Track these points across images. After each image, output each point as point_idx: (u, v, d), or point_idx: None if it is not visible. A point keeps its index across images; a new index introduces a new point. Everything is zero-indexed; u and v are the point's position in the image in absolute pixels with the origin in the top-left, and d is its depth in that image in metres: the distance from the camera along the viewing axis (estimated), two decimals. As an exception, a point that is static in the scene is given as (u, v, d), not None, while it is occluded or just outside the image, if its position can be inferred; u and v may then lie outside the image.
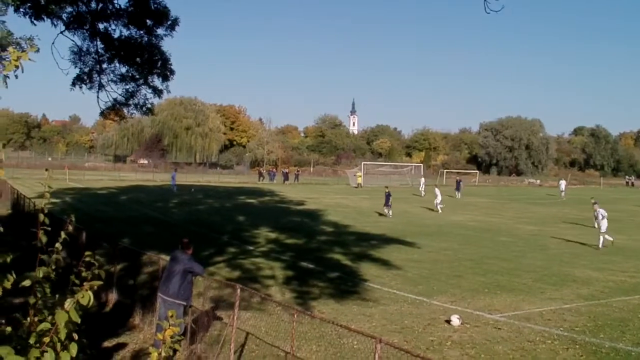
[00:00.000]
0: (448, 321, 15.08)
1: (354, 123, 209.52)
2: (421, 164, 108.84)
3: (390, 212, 42.91)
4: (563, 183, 76.59)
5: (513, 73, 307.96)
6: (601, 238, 30.19)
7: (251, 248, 26.73)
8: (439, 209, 46.08)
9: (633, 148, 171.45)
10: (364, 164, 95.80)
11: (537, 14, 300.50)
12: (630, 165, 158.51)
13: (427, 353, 12.27)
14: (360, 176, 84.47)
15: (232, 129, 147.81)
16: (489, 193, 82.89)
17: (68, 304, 4.07)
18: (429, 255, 26.50)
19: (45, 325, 3.99)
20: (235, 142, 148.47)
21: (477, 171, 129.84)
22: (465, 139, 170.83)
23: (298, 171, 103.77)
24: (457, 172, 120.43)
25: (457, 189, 65.25)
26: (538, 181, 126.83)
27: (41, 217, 4.47)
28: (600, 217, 30.43)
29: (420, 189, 69.25)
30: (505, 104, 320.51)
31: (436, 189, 46.92)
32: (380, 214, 43.43)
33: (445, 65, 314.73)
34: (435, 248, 28.49)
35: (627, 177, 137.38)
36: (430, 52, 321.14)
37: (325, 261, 23.93)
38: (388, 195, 42.75)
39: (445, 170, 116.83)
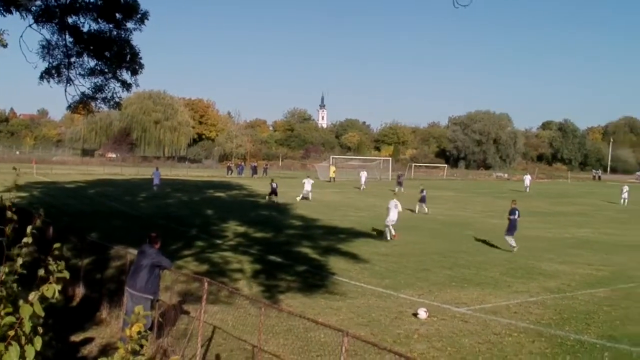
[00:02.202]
0: (415, 314, 15.18)
1: (323, 117, 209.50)
2: (390, 158, 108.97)
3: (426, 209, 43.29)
4: (528, 178, 77.27)
5: (482, 67, 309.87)
6: (386, 229, 29.55)
7: (219, 242, 26.66)
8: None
9: (600, 142, 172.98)
10: (332, 158, 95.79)
11: (505, 7, 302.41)
12: (597, 160, 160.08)
13: (394, 346, 12.32)
14: (334, 170, 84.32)
15: (201, 122, 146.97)
16: (457, 187, 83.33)
17: (32, 296, 4.05)
18: (396, 248, 26.62)
19: (10, 319, 3.97)
20: (204, 136, 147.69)
21: (446, 165, 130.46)
22: (434, 133, 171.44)
23: (267, 165, 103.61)
24: (426, 166, 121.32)
25: (399, 183, 65.23)
26: (506, 175, 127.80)
27: (8, 212, 4.44)
28: (393, 206, 29.62)
29: (361, 182, 69.16)
30: (474, 99, 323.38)
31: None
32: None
33: (414, 60, 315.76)
34: (403, 242, 28.60)
35: (594, 171, 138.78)
36: (400, 46, 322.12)
37: (294, 255, 23.95)
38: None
39: (414, 164, 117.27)
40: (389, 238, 29.12)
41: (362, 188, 66.49)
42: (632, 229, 38.19)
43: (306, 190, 49.18)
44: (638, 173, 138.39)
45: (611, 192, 64.97)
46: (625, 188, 59.03)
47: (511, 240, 27.21)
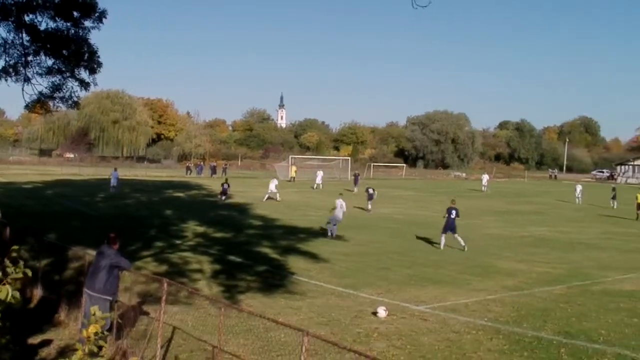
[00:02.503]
0: (375, 313, 15.21)
1: (282, 117, 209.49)
2: (349, 158, 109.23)
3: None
4: (485, 177, 77.65)
5: (440, 67, 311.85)
6: (329, 227, 29.84)
7: (179, 242, 26.50)
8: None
9: (556, 142, 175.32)
10: (292, 158, 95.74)
11: (461, 8, 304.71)
12: (553, 159, 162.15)
13: (354, 345, 12.33)
14: (295, 170, 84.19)
15: (159, 122, 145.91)
16: (416, 186, 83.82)
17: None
18: (356, 248, 26.71)
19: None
20: (163, 136, 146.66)
21: (404, 165, 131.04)
22: (393, 133, 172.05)
23: (226, 165, 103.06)
24: (385, 166, 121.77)
25: (355, 183, 65.37)
26: (464, 174, 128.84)
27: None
28: (338, 206, 30.20)
29: (317, 181, 69.39)
30: (432, 99, 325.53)
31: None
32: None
33: (372, 60, 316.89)
34: (363, 241, 28.72)
35: (550, 170, 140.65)
36: (358, 45, 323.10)
37: (253, 255, 23.90)
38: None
39: (373, 164, 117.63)
40: (330, 234, 29.37)
41: (315, 186, 66.62)
42: (587, 227, 38.75)
43: (271, 190, 49.24)
44: (593, 172, 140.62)
45: (567, 191, 65.91)
46: (579, 187, 59.74)
47: (443, 238, 27.34)
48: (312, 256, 23.84)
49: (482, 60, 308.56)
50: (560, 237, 32.66)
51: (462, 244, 26.87)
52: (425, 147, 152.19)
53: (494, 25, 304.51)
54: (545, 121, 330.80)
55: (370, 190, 44.89)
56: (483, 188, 73.84)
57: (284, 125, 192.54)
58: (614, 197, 55.50)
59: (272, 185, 49.59)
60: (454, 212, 27.72)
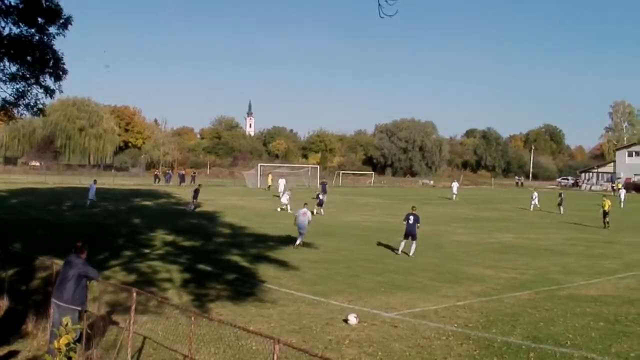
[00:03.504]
0: (346, 320, 15.23)
1: (250, 125, 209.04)
2: (317, 166, 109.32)
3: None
4: (455, 185, 76.81)
5: (407, 76, 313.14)
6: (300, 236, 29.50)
7: (147, 251, 26.34)
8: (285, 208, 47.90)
9: (522, 150, 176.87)
10: (260, 165, 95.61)
11: (430, 17, 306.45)
12: (519, 166, 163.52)
13: (326, 352, 12.37)
14: (271, 178, 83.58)
15: (127, 130, 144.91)
16: (384, 194, 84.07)
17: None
18: (326, 255, 26.74)
19: None
20: (130, 144, 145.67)
21: (373, 172, 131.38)
22: (361, 141, 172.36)
23: (194, 173, 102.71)
24: (354, 174, 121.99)
25: (323, 191, 65.07)
26: (432, 182, 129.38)
27: None
28: (301, 214, 29.85)
29: (280, 189, 66.28)
30: (400, 107, 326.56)
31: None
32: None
33: (339, 68, 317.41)
34: (332, 248, 28.76)
35: (517, 177, 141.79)
36: (325, 54, 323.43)
37: (223, 263, 23.84)
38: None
39: (341, 172, 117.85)
40: (298, 243, 29.10)
41: (283, 207, 66.44)
42: (552, 233, 39.08)
43: (284, 203, 49.75)
44: (558, 179, 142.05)
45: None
46: (535, 194, 60.01)
47: (403, 243, 27.60)
48: (282, 264, 23.82)
49: (448, 69, 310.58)
50: (527, 244, 32.93)
51: (412, 252, 27.12)
52: (393, 155, 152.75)
53: (461, 34, 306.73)
54: (511, 129, 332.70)
55: (321, 196, 46.77)
56: (453, 196, 73.23)
57: (252, 133, 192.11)
58: (560, 204, 56.67)
59: (285, 198, 49.66)
60: (411, 217, 27.92)
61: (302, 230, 29.37)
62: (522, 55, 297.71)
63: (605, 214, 42.96)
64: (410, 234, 27.61)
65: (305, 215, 29.84)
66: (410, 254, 26.90)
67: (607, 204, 43.11)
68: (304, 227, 29.43)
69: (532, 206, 58.42)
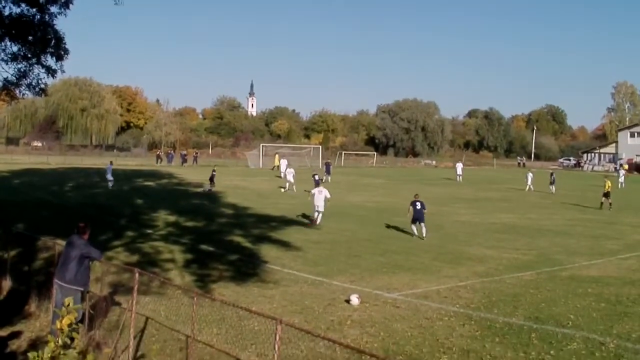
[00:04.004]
0: (348, 301, 15.27)
1: (252, 105, 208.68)
2: (320, 146, 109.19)
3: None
4: (460, 166, 75.15)
5: (409, 56, 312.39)
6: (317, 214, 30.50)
7: (150, 231, 26.39)
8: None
9: (524, 130, 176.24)
10: (262, 146, 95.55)
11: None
12: (521, 147, 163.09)
13: (328, 333, 12.42)
14: (278, 158, 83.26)
15: (129, 110, 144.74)
16: (387, 174, 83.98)
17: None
18: (328, 236, 26.76)
19: None
20: (132, 124, 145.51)
21: (375, 153, 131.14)
22: (363, 121, 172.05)
23: (197, 153, 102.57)
24: (356, 154, 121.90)
25: (327, 172, 64.74)
26: (434, 162, 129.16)
27: None
28: (317, 192, 30.99)
29: (282, 170, 66.54)
30: (402, 87, 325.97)
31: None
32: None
33: (342, 48, 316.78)
34: (334, 229, 28.77)
35: (519, 158, 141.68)
36: (328, 33, 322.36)
37: (225, 244, 23.86)
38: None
39: (343, 152, 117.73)
40: (319, 222, 29.90)
41: (287, 186, 66.37)
42: (554, 214, 39.04)
43: (289, 181, 50.55)
44: (560, 160, 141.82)
45: (537, 179, 66.00)
46: (530, 175, 59.63)
47: (423, 228, 27.38)
48: (284, 244, 23.85)
49: (451, 49, 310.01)
50: (529, 224, 32.92)
51: (425, 234, 27.02)
52: (395, 135, 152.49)
53: (463, 14, 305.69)
54: (513, 109, 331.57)
55: (317, 177, 47.18)
56: (458, 178, 72.09)
57: (254, 114, 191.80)
58: (552, 183, 56.72)
59: (290, 176, 50.04)
60: (418, 204, 27.79)
61: (319, 209, 30.08)
62: (525, 35, 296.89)
63: (606, 194, 42.88)
64: (418, 219, 27.51)
65: (321, 193, 30.60)
66: (424, 237, 26.80)
67: (608, 184, 43.02)
68: (322, 205, 30.14)
69: (527, 187, 58.02)
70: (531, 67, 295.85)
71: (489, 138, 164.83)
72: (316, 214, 30.24)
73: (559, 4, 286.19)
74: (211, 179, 46.72)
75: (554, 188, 56.11)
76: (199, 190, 45.73)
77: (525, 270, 20.39)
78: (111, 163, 51.16)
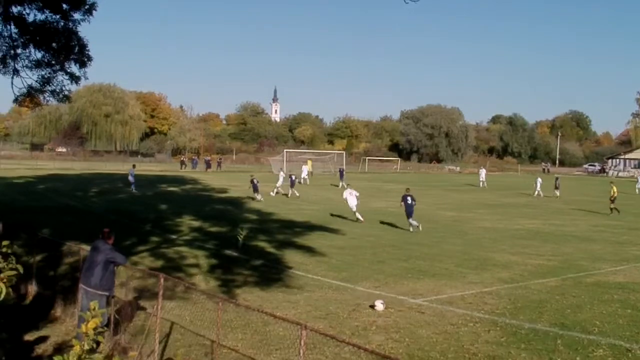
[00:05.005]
0: (372, 306, 15.22)
1: (276, 111, 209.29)
2: (343, 152, 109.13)
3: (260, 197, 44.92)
4: (483, 172, 75.90)
5: (433, 62, 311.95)
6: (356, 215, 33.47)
7: (174, 237, 26.46)
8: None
9: (548, 136, 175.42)
10: (286, 152, 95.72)
11: (455, 2, 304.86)
12: (546, 153, 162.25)
13: (352, 338, 12.38)
14: (311, 164, 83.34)
15: (152, 116, 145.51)
16: (410, 180, 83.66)
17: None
18: (352, 241, 26.72)
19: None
20: (156, 130, 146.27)
21: (399, 158, 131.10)
22: (387, 127, 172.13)
23: (220, 159, 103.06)
24: (379, 160, 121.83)
25: (341, 177, 64.88)
26: (458, 168, 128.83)
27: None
28: (348, 194, 34.20)
29: (302, 176, 67.34)
30: (425, 93, 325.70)
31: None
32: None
33: (366, 54, 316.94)
34: (358, 234, 28.74)
35: (543, 164, 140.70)
36: (352, 40, 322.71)
37: (250, 249, 23.86)
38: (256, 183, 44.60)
39: (367, 158, 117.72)
40: (361, 219, 32.93)
41: (302, 181, 66.33)
42: (578, 220, 38.79)
43: (304, 178, 54.76)
44: (585, 166, 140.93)
45: (561, 185, 65.43)
46: (539, 180, 59.21)
47: (412, 222, 30.33)
48: (309, 250, 23.85)
49: (474, 54, 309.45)
50: (553, 230, 32.73)
51: (416, 224, 30.20)
52: (419, 141, 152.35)
53: (487, 19, 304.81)
54: (537, 115, 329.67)
55: (293, 177, 50.12)
56: (481, 184, 72.16)
57: (277, 119, 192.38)
58: (557, 187, 57.23)
59: (304, 172, 50.91)
60: (409, 198, 30.82)
61: (354, 209, 33.38)
62: (549, 41, 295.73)
63: (612, 200, 42.61)
64: (411, 213, 30.53)
65: (351, 194, 33.58)
66: (418, 228, 29.39)
67: (614, 190, 42.73)
68: (355, 205, 33.46)
69: (536, 192, 57.56)
70: (555, 72, 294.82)
71: (513, 144, 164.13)
72: (357, 214, 33.23)
73: (584, 10, 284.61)
74: (255, 189, 45.32)
75: (558, 192, 56.55)
76: (258, 199, 44.84)
77: (550, 276, 20.25)
78: (134, 167, 51.85)
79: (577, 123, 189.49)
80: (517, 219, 37.62)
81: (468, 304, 16.14)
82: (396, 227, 31.66)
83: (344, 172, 68.30)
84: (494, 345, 12.71)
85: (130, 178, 49.26)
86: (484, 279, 19.59)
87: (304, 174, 67.97)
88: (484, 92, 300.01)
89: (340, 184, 61.16)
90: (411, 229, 30.04)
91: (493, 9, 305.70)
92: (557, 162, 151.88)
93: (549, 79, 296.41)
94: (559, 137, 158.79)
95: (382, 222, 33.57)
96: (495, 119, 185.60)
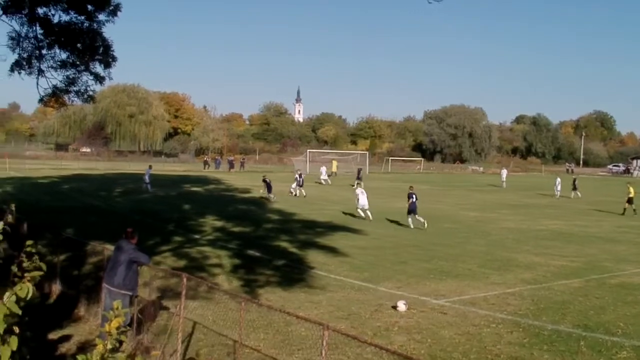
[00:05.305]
0: (394, 307, 15.19)
1: (299, 111, 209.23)
2: (366, 152, 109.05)
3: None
4: (504, 172, 76.10)
5: (456, 61, 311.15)
6: (362, 213, 34.45)
7: (197, 237, 26.55)
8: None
9: (572, 136, 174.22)
10: (309, 152, 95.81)
11: (478, 2, 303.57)
12: (570, 153, 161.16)
13: (374, 339, 12.37)
14: (336, 165, 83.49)
15: (176, 116, 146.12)
16: (433, 180, 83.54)
17: (7, 297, 4.00)
18: (374, 242, 26.70)
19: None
20: (179, 130, 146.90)
21: (422, 159, 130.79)
22: (410, 127, 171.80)
23: (243, 159, 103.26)
24: (402, 160, 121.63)
25: (358, 177, 64.83)
26: (481, 168, 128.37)
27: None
28: (359, 193, 35.35)
29: (321, 177, 68.20)
30: (449, 93, 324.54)
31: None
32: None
33: (388, 54, 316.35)
34: (380, 235, 28.72)
35: (567, 164, 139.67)
36: (375, 39, 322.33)
37: (272, 249, 23.91)
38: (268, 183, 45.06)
39: (390, 158, 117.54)
40: (371, 218, 33.52)
41: (323, 181, 66.33)
42: (602, 220, 38.49)
43: (323, 179, 55.15)
44: (609, 166, 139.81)
45: (584, 185, 65.00)
46: (558, 180, 58.76)
47: (410, 220, 31.50)
48: (331, 250, 23.84)
49: (498, 54, 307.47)
50: (576, 231, 32.50)
51: (422, 220, 31.11)
52: (442, 141, 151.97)
53: (510, 19, 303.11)
54: (561, 115, 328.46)
55: (300, 176, 49.84)
56: (503, 184, 71.85)
57: (301, 120, 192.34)
58: (575, 188, 57.11)
59: (323, 173, 51.03)
60: (414, 196, 31.81)
61: (366, 207, 34.16)
62: (572, 41, 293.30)
63: (629, 200, 42.29)
64: (413, 211, 31.63)
65: (363, 193, 34.91)
66: (425, 226, 30.49)
67: (631, 190, 42.40)
68: (367, 203, 34.31)
69: (556, 193, 57.21)
70: (579, 72, 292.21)
71: (536, 144, 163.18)
72: (367, 212, 33.95)
73: (607, 10, 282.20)
74: (269, 189, 45.42)
75: (577, 193, 56.60)
76: (272, 199, 45.08)
77: (573, 277, 20.12)
78: (150, 167, 52.43)
79: (601, 123, 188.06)
80: (540, 220, 37.39)
81: (491, 305, 16.08)
82: (418, 227, 31.55)
83: (361, 172, 68.08)
84: (516, 346, 12.65)
85: (146, 178, 49.66)
86: (507, 279, 19.49)
87: (323, 175, 68.02)
88: (507, 92, 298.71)
89: (356, 182, 61.36)
90: (412, 226, 31.17)
91: (517, 8, 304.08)
92: (581, 162, 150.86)
93: (573, 79, 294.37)
94: (583, 137, 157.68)
95: (394, 223, 33.53)
96: (519, 119, 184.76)
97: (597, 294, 17.62)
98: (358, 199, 34.67)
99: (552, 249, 26.00)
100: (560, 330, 13.76)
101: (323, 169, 69.86)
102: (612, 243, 28.51)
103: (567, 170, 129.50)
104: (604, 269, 21.80)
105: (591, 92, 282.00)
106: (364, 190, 35.73)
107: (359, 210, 34.48)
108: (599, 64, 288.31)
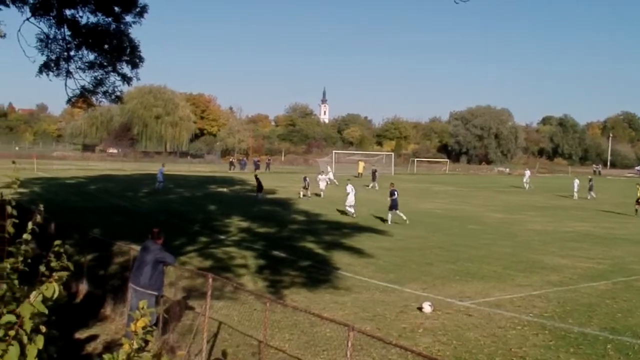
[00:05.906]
0: (420, 308, 15.16)
1: (324, 112, 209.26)
2: (392, 153, 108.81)
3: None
4: (527, 173, 75.74)
5: (482, 62, 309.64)
6: (348, 209, 36.22)
7: (223, 237, 26.64)
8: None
9: (600, 137, 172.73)
10: (334, 153, 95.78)
11: (505, 3, 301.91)
12: (597, 154, 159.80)
13: (400, 340, 12.34)
14: (363, 166, 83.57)
15: (202, 117, 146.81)
16: (459, 181, 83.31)
17: (33, 296, 4.03)
18: (399, 243, 26.65)
19: (9, 318, 3.93)
20: (205, 131, 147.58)
21: (448, 160, 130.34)
22: (436, 128, 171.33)
23: (269, 160, 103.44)
24: (428, 161, 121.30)
25: (373, 179, 64.65)
26: (507, 170, 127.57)
27: (8, 208, 4.40)
28: (349, 190, 36.65)
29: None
30: (475, 94, 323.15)
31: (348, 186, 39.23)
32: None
33: (414, 55, 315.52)
34: (406, 236, 28.65)
35: (594, 165, 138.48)
36: (401, 41, 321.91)
37: (297, 250, 23.95)
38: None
39: (416, 159, 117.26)
40: (355, 215, 35.32)
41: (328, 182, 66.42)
42: (629, 222, 38.22)
43: (330, 179, 55.02)
44: (637, 167, 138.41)
45: (611, 187, 64.67)
46: (577, 181, 58.34)
47: (390, 215, 32.92)
48: (356, 251, 23.83)
49: (524, 55, 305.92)
50: (603, 233, 32.25)
51: (404, 218, 32.46)
52: (468, 142, 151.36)
53: (537, 20, 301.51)
54: (588, 116, 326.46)
55: (307, 179, 49.17)
56: (525, 185, 71.31)
57: (326, 121, 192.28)
58: (590, 189, 56.91)
59: (322, 183, 50.62)
60: (395, 193, 33.18)
61: (352, 204, 36.12)
62: (600, 41, 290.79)
63: (639, 201, 41.99)
64: (394, 206, 33.02)
65: (353, 190, 36.41)
66: (406, 221, 32.34)
67: None
68: (353, 201, 36.17)
69: (575, 195, 56.85)
70: (607, 73, 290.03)
71: (563, 145, 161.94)
72: (351, 209, 35.88)
73: (635, 10, 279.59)
74: (260, 188, 45.85)
75: (592, 194, 56.43)
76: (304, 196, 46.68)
77: (600, 279, 19.95)
78: (163, 166, 53.32)
79: (629, 124, 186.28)
80: (567, 221, 37.16)
81: (516, 307, 15.99)
82: (442, 228, 31.43)
83: (377, 174, 67.87)
84: (542, 348, 12.56)
85: (159, 176, 50.53)
86: (533, 281, 19.38)
87: (330, 176, 67.69)
88: (533, 93, 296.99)
89: (372, 184, 61.41)
90: (389, 222, 32.69)
91: (543, 9, 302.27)
92: (609, 163, 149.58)
93: (600, 80, 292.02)
94: (610, 138, 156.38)
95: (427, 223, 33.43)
96: (545, 120, 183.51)
97: (625, 297, 17.48)
98: (347, 195, 36.33)
99: (579, 251, 25.83)
100: (586, 333, 13.65)
101: (328, 173, 69.50)
102: (638, 245, 28.25)
103: (594, 171, 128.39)
104: (631, 271, 21.60)
105: (619, 92, 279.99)
106: (353, 188, 36.87)
107: (346, 206, 36.19)
108: (627, 64, 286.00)
